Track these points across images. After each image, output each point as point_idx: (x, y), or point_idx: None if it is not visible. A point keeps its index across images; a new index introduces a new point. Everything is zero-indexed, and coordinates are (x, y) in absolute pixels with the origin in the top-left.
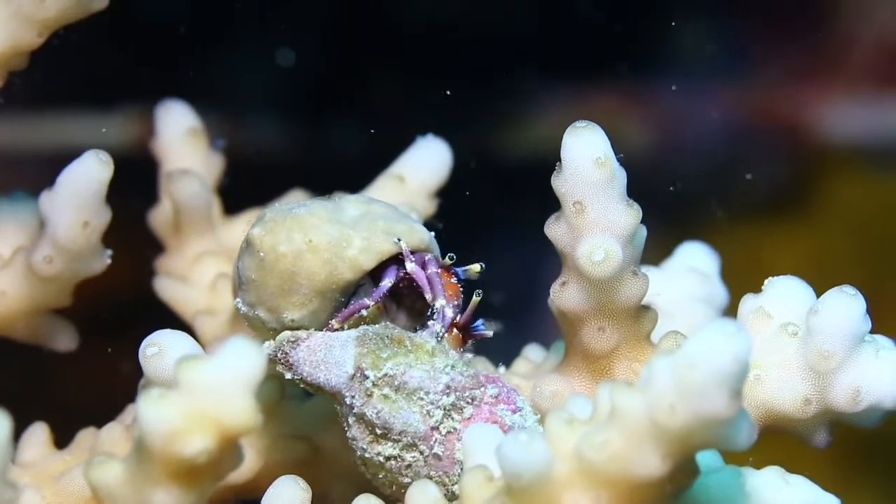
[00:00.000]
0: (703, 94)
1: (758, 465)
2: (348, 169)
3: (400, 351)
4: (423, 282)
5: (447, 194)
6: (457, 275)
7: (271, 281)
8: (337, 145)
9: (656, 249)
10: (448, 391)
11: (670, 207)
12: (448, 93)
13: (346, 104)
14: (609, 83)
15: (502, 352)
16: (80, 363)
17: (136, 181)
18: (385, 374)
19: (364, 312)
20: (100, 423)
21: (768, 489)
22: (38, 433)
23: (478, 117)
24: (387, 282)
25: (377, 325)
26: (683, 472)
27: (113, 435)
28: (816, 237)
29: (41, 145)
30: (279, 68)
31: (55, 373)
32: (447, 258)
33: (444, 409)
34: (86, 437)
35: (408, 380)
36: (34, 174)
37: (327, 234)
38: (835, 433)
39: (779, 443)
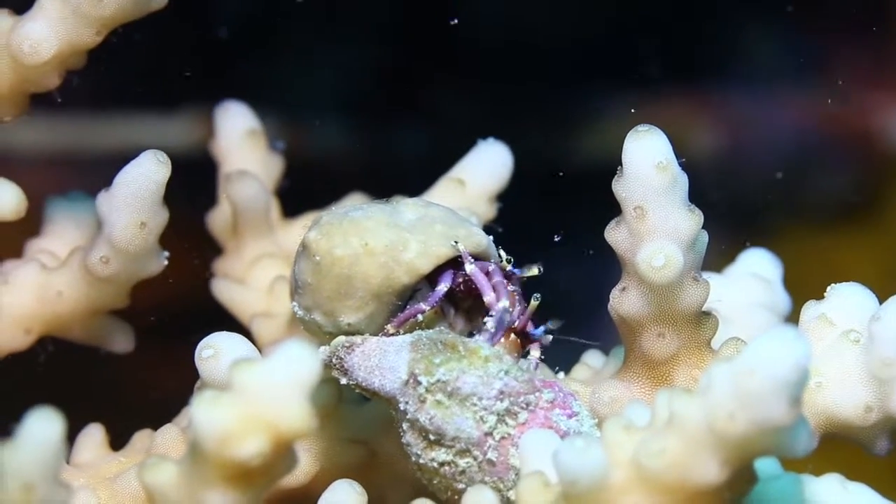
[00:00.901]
0: (772, 99)
1: (818, 473)
2: (412, 172)
3: (453, 356)
4: (482, 284)
5: (512, 198)
6: (515, 276)
7: (327, 285)
8: (401, 148)
9: (723, 256)
10: (502, 396)
11: (738, 213)
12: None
13: (412, 106)
14: (679, 88)
15: (563, 358)
16: (138, 365)
17: (198, 183)
18: (438, 380)
19: (420, 317)
20: (156, 425)
21: (827, 496)
22: (94, 434)
23: (546, 122)
24: (443, 286)
25: (431, 331)
26: (742, 479)
27: (168, 437)
28: (886, 245)
29: (104, 146)
30: (344, 69)
31: (112, 374)
32: (504, 261)
33: (498, 414)
34: (141, 438)
35: (461, 385)
36: (96, 175)
37: (384, 237)
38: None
39: (840, 450)
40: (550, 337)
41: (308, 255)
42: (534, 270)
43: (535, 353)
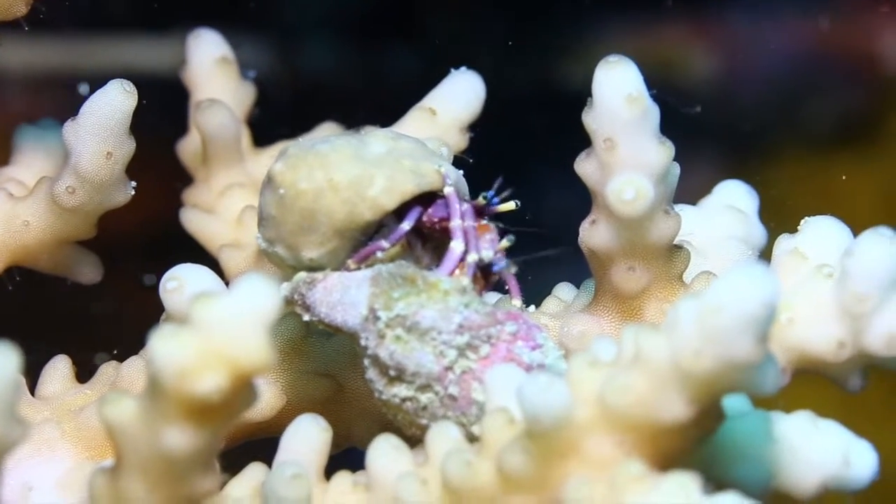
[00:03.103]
0: (771, 23)
1: (791, 408)
2: (401, 96)
3: (412, 290)
4: (454, 229)
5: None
6: (490, 210)
7: (290, 218)
8: (390, 72)
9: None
10: (461, 330)
11: (736, 137)
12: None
13: (402, 30)
14: (676, 12)
15: (534, 291)
16: (105, 295)
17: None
18: (397, 315)
19: (380, 254)
20: (124, 356)
21: (798, 435)
22: (60, 366)
23: (541, 48)
24: (405, 224)
25: (392, 264)
26: (709, 416)
27: (134, 369)
28: (885, 168)
29: (93, 67)
30: None
31: (79, 305)
32: (481, 198)
33: (458, 348)
34: (108, 370)
35: (420, 320)
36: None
37: (348, 172)
38: (869, 377)
39: (813, 385)
40: (514, 269)
41: (273, 187)
42: (510, 205)
43: (517, 301)
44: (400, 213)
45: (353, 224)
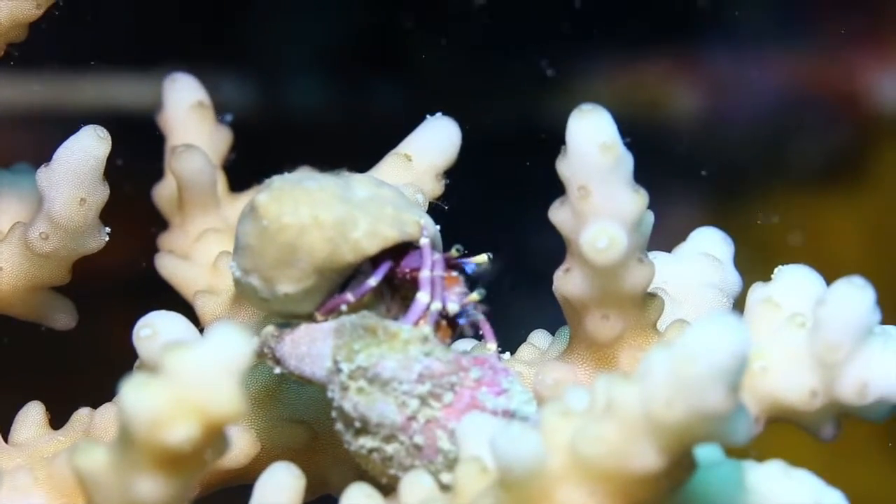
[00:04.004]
0: (755, 59)
1: (764, 457)
2: (386, 132)
3: (373, 341)
4: (423, 280)
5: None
6: (462, 268)
7: (270, 250)
8: (377, 108)
9: (705, 219)
10: (422, 379)
11: (720, 176)
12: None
13: (388, 65)
14: (659, 48)
15: (510, 338)
16: (80, 342)
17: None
18: (358, 366)
19: (344, 308)
20: (98, 403)
21: (769, 484)
22: (33, 413)
23: (524, 84)
24: (372, 280)
25: (355, 315)
26: (681, 466)
27: (107, 416)
28: (870, 205)
29: (80, 104)
30: (322, 29)
31: (54, 351)
32: (454, 250)
33: (420, 397)
34: (81, 417)
35: (380, 371)
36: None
37: (335, 211)
38: (842, 426)
39: (787, 434)
40: (480, 316)
41: (255, 217)
42: (483, 258)
43: (491, 345)
44: (375, 261)
45: (334, 264)
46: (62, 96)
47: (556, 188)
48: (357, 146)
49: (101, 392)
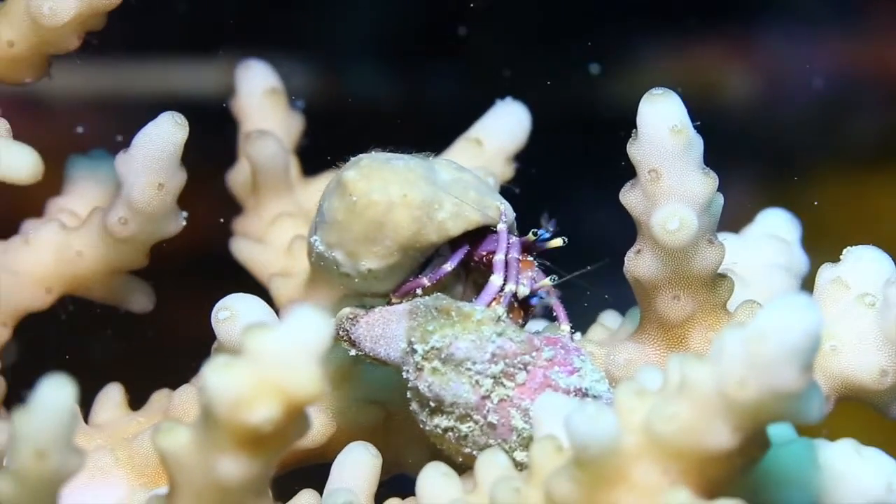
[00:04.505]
0: (809, 41)
1: (835, 436)
2: (443, 124)
3: (447, 322)
4: (497, 264)
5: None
6: (539, 247)
7: (357, 226)
8: (434, 95)
9: (761, 202)
10: (495, 359)
11: (775, 159)
12: None
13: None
14: (713, 33)
15: (582, 318)
16: (157, 324)
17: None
18: (432, 347)
19: (419, 291)
20: (175, 384)
21: (841, 462)
22: (113, 394)
23: (580, 70)
24: (448, 265)
25: (429, 297)
26: (754, 444)
27: (186, 398)
28: None
29: (142, 92)
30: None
31: (133, 333)
32: (531, 234)
33: (494, 377)
34: (160, 398)
35: (454, 351)
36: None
37: (423, 191)
38: None
39: (857, 414)
40: (553, 299)
41: (343, 192)
42: (557, 242)
43: (565, 327)
44: (454, 244)
45: (417, 243)
46: (125, 83)
47: (613, 172)
48: (415, 130)
49: (177, 374)
